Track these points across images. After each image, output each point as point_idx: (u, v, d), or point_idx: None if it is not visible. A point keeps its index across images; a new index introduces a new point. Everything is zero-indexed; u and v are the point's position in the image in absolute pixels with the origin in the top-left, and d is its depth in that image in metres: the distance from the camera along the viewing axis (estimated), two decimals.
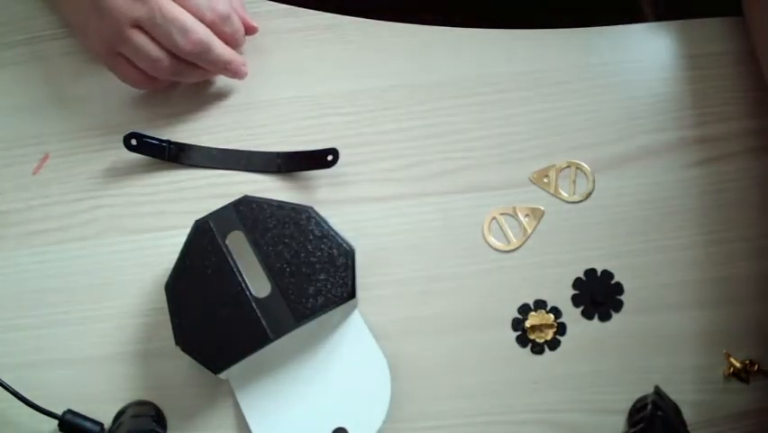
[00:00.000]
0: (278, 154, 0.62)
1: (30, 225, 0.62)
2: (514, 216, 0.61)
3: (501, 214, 0.61)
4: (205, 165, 0.62)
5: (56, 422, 0.57)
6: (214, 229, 0.56)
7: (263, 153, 0.62)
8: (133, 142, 0.60)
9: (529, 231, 0.61)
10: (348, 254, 0.56)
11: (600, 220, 0.61)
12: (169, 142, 0.61)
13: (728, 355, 0.59)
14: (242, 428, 0.58)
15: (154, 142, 0.61)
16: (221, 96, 0.64)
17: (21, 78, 0.64)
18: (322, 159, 0.61)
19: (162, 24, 0.57)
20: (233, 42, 0.61)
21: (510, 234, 0.61)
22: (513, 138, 0.63)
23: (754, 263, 0.61)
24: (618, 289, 0.60)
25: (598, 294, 0.60)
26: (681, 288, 0.60)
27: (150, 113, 0.63)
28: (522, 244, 0.61)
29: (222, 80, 0.64)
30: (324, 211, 0.57)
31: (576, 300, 0.60)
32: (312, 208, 0.57)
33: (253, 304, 0.55)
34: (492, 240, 0.61)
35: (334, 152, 0.61)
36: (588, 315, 0.60)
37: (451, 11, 0.66)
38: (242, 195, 0.57)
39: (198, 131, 0.63)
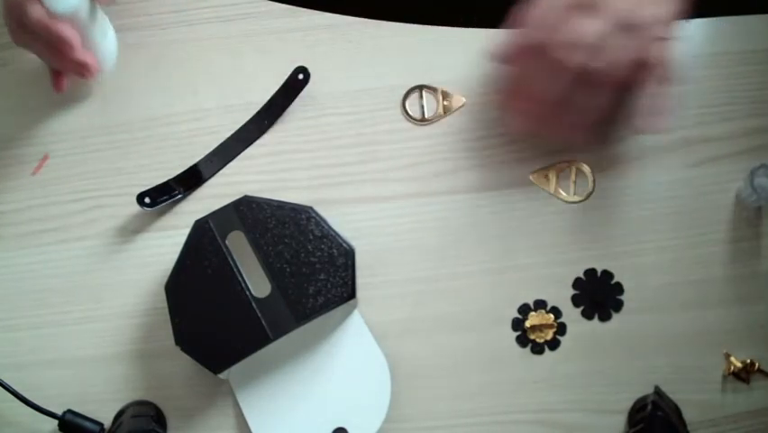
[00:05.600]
0: (259, 113, 0.63)
1: (30, 225, 0.62)
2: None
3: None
4: (213, 173, 0.62)
5: (56, 422, 0.57)
6: (214, 229, 0.56)
7: (249, 124, 0.63)
8: (147, 200, 0.60)
9: None
10: (348, 254, 0.56)
11: (600, 220, 0.61)
12: (176, 183, 0.61)
13: (728, 355, 0.59)
14: (242, 428, 0.58)
15: (164, 197, 0.61)
16: (222, 97, 0.64)
17: (20, 78, 0.64)
18: (295, 84, 0.62)
19: None
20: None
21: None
22: (513, 138, 0.63)
23: (755, 263, 0.60)
24: (618, 289, 0.60)
25: (598, 294, 0.60)
26: (681, 288, 0.60)
27: (150, 113, 0.63)
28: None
29: (222, 83, 0.64)
30: (324, 211, 0.57)
31: (576, 300, 0.60)
32: (312, 208, 0.57)
33: (253, 304, 0.55)
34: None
35: (303, 70, 0.62)
36: (588, 315, 0.60)
37: (452, 11, 0.66)
38: (242, 195, 0.57)
39: (199, 130, 0.63)
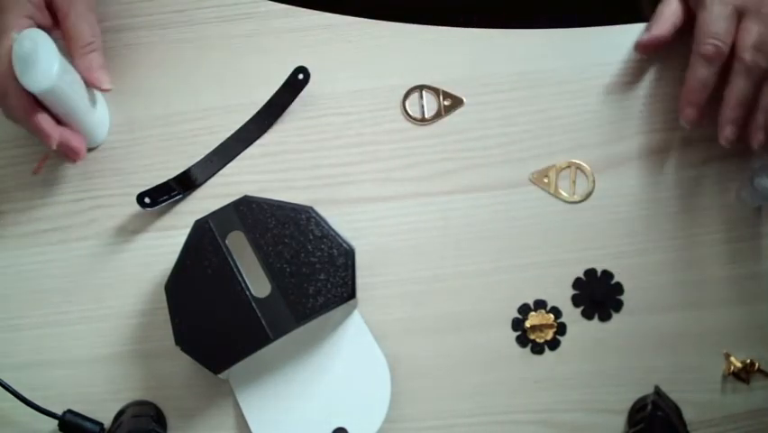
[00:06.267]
0: (259, 113, 0.63)
1: (30, 225, 0.62)
2: None
3: None
4: (213, 173, 0.62)
5: (56, 422, 0.57)
6: (214, 229, 0.56)
7: (249, 124, 0.63)
8: (147, 200, 0.60)
9: None
10: (348, 254, 0.56)
11: (600, 220, 0.61)
12: (176, 183, 0.61)
13: (728, 355, 0.59)
14: (242, 428, 0.59)
15: (164, 197, 0.61)
16: (222, 97, 0.64)
17: None
18: (295, 84, 0.62)
19: None
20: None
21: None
22: (513, 138, 0.63)
23: (754, 264, 0.61)
24: (618, 289, 0.60)
25: (598, 294, 0.60)
26: (680, 288, 0.60)
27: (150, 113, 0.63)
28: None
29: (222, 83, 0.64)
30: (324, 211, 0.57)
31: (576, 300, 0.60)
32: (312, 208, 0.57)
33: (253, 304, 0.55)
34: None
35: (303, 70, 0.62)
36: (588, 315, 0.60)
37: (452, 11, 0.66)
38: (242, 195, 0.57)
39: (199, 130, 0.63)
